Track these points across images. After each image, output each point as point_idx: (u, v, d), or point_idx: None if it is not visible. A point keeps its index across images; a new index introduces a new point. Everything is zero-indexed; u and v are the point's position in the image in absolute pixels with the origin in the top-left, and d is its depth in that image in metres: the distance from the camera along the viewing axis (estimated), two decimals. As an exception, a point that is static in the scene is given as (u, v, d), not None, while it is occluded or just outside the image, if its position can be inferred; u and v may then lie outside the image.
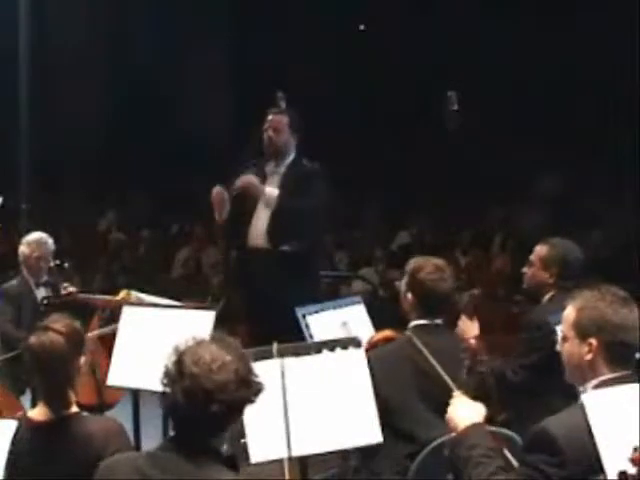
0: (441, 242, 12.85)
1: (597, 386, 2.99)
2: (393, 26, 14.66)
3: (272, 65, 14.78)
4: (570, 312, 3.09)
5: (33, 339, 3.46)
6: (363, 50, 15.24)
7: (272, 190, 6.10)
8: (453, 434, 3.22)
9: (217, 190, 6.19)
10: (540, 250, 5.07)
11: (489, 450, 3.08)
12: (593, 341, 3.01)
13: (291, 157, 6.24)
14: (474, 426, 3.17)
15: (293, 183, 6.14)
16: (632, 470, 2.61)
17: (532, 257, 5.10)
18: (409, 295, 4.40)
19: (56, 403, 3.43)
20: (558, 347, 3.15)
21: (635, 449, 2.61)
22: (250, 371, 2.80)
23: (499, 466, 3.05)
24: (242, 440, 3.70)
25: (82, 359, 3.51)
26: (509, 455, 3.10)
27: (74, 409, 3.47)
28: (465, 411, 3.25)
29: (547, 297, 4.99)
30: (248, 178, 6.15)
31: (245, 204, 6.23)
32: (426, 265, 4.40)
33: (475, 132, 13.34)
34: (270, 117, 6.26)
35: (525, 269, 5.15)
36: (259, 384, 2.82)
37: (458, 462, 3.12)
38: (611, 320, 3.01)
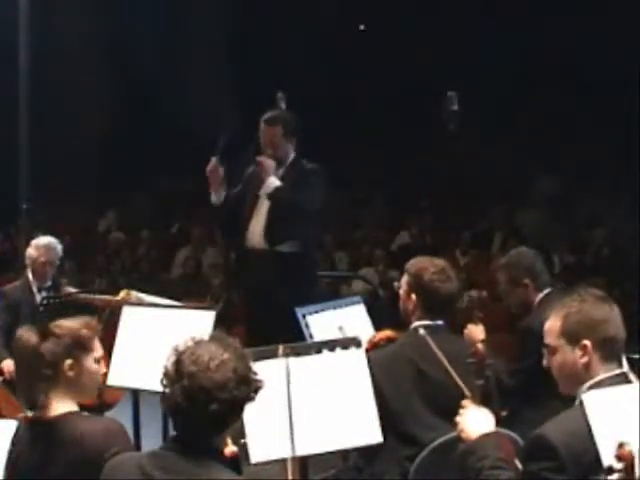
0: (441, 242, 12.85)
1: (592, 386, 3.00)
2: (393, 26, 14.65)
3: (272, 65, 14.77)
4: (554, 322, 3.09)
5: (19, 331, 3.47)
6: (363, 50, 15.23)
7: (273, 180, 6.09)
8: (464, 444, 3.22)
9: (213, 163, 6.18)
10: (501, 276, 5.12)
11: (499, 461, 3.08)
12: (587, 342, 3.02)
13: (290, 158, 6.24)
14: (485, 436, 3.17)
15: (292, 182, 6.13)
16: (618, 465, 2.62)
17: (501, 285, 5.14)
18: (412, 296, 4.38)
19: (25, 401, 3.42)
20: (545, 362, 3.14)
21: (620, 445, 2.63)
22: (249, 369, 2.81)
23: (509, 477, 3.05)
24: (242, 440, 3.70)
25: (67, 363, 3.47)
26: (519, 464, 3.10)
27: (75, 407, 3.46)
28: (477, 421, 3.24)
29: (537, 301, 5.00)
30: (266, 160, 6.12)
31: (243, 205, 6.24)
32: (430, 266, 4.38)
33: (475, 132, 13.33)
34: (262, 128, 6.20)
35: (506, 292, 5.17)
36: (258, 382, 2.82)
37: (469, 472, 3.12)
38: (599, 318, 3.04)
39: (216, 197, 6.21)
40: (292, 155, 6.24)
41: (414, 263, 4.45)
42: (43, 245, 6.77)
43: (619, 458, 2.62)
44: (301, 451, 3.83)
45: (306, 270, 6.17)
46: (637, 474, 2.63)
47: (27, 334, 3.45)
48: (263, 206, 6.15)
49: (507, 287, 5.08)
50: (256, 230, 6.16)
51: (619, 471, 2.62)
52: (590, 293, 3.12)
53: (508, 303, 5.18)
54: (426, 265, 4.39)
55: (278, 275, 6.00)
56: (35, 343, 3.41)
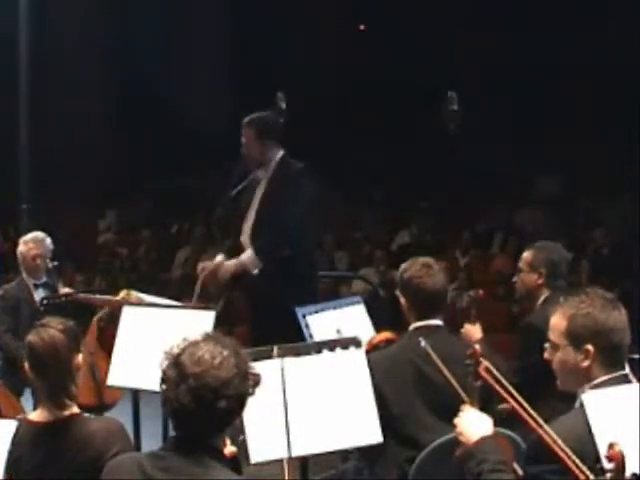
0: (441, 242, 12.85)
1: (593, 388, 3.00)
2: (393, 26, 14.65)
3: (272, 65, 14.77)
4: (559, 320, 3.07)
5: (32, 336, 3.47)
6: (363, 50, 15.23)
7: (248, 254, 6.11)
8: (463, 447, 3.21)
9: (201, 268, 6.23)
10: (526, 256, 5.12)
11: (499, 464, 3.07)
12: (590, 347, 3.00)
13: (277, 158, 6.21)
14: (484, 439, 3.16)
15: (277, 186, 6.13)
16: (609, 466, 2.63)
17: (520, 264, 5.15)
18: (402, 299, 4.40)
19: (59, 398, 3.43)
20: (546, 355, 3.14)
21: (610, 445, 2.63)
22: (247, 364, 2.81)
23: (508, 479, 3.05)
24: (241, 437, 3.70)
25: (80, 357, 3.51)
26: (517, 467, 3.10)
27: (75, 409, 3.47)
28: (475, 424, 3.23)
29: (541, 299, 5.01)
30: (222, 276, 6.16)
31: (241, 205, 6.27)
32: (413, 265, 4.40)
33: (475, 132, 13.33)
34: (243, 130, 6.26)
35: (515, 278, 5.18)
36: (257, 375, 2.83)
37: (469, 476, 3.11)
38: (606, 325, 3.01)
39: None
40: (278, 155, 6.21)
41: (402, 266, 4.48)
42: (31, 239, 6.86)
43: (609, 458, 2.63)
44: (298, 451, 3.84)
45: (297, 271, 6.12)
46: (628, 474, 2.64)
47: (39, 334, 3.45)
48: (253, 210, 6.19)
49: (524, 267, 5.09)
50: (246, 234, 6.21)
51: (610, 471, 2.63)
52: (599, 295, 3.08)
53: (517, 284, 5.17)
54: (410, 264, 4.42)
55: (268, 277, 6.03)
56: (53, 339, 3.42)
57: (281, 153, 6.19)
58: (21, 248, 6.85)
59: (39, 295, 6.63)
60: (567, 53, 12.98)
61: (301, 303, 5.12)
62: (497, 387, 3.13)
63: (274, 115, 6.54)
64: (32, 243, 6.81)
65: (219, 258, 6.26)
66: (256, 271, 6.07)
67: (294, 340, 4.51)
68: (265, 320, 5.92)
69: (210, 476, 2.74)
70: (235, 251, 6.37)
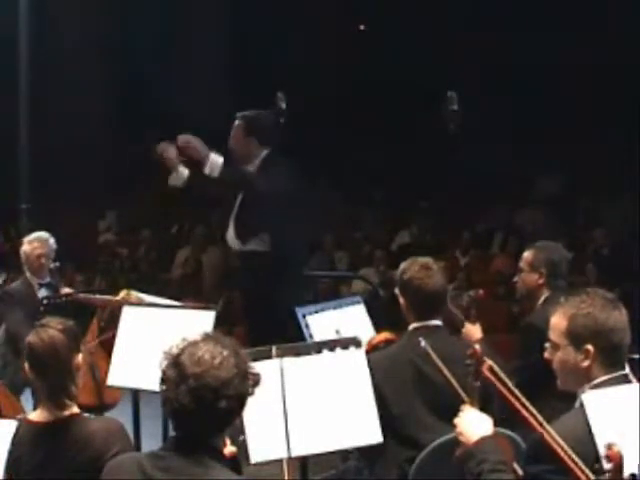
0: (441, 242, 12.85)
1: (593, 388, 3.00)
2: (393, 26, 14.65)
3: (272, 65, 14.76)
4: (560, 320, 3.08)
5: (32, 337, 3.47)
6: (363, 50, 15.23)
7: (218, 157, 6.09)
8: (463, 447, 3.21)
9: (161, 148, 6.25)
10: (527, 255, 5.14)
11: (499, 464, 3.07)
12: (590, 347, 3.00)
13: (261, 156, 6.22)
14: (484, 439, 3.16)
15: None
16: (607, 466, 2.63)
17: (520, 264, 5.17)
18: (401, 299, 4.41)
19: (59, 398, 3.43)
20: (547, 355, 3.14)
21: (609, 446, 2.63)
22: (247, 364, 2.82)
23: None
24: (241, 437, 3.70)
25: (80, 357, 3.51)
26: (517, 467, 3.10)
27: (75, 409, 3.47)
28: (475, 424, 3.23)
29: (542, 299, 5.01)
30: (187, 138, 6.16)
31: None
32: (412, 265, 4.40)
33: (475, 132, 13.32)
34: (234, 123, 6.28)
35: (515, 278, 5.19)
36: (257, 375, 2.83)
37: (469, 476, 3.12)
38: (606, 325, 3.02)
39: (176, 178, 6.23)
40: (263, 153, 6.22)
41: (401, 265, 4.48)
42: (35, 239, 6.87)
43: (608, 458, 2.63)
44: (300, 451, 3.84)
45: (275, 270, 6.10)
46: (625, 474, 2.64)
47: (39, 334, 3.46)
48: (236, 208, 6.21)
49: (525, 267, 5.10)
50: (230, 231, 6.23)
51: (608, 471, 2.63)
52: (600, 295, 3.09)
53: (517, 284, 5.18)
54: (409, 265, 4.43)
55: (248, 275, 6.05)
56: (52, 339, 3.43)
57: (265, 152, 6.21)
58: (25, 247, 6.84)
59: (42, 295, 6.63)
60: (567, 53, 12.97)
61: (293, 302, 5.14)
62: (500, 386, 3.13)
63: (269, 115, 6.54)
64: (37, 242, 6.82)
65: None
66: (207, 171, 6.00)
67: (287, 338, 4.52)
68: (257, 320, 5.95)
69: (210, 476, 2.74)
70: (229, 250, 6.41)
